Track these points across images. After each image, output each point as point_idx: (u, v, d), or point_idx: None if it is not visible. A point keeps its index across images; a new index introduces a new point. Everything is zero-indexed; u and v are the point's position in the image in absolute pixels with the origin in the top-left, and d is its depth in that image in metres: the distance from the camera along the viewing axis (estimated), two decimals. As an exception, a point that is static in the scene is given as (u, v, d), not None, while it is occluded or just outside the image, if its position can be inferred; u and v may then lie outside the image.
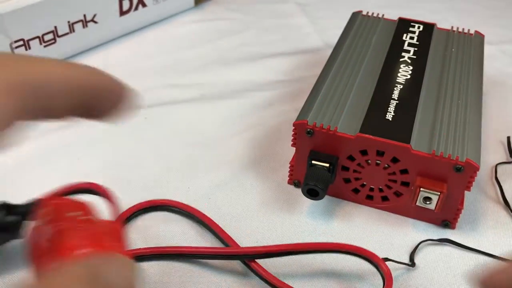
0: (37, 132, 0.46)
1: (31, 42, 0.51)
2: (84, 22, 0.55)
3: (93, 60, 0.56)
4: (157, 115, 0.49)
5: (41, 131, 0.46)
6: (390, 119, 0.38)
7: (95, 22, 0.56)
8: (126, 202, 0.38)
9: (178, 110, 0.50)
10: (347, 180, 0.39)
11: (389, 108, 0.39)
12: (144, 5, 0.61)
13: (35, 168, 0.42)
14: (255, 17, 0.67)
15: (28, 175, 0.42)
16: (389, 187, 0.38)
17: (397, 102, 0.39)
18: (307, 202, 0.40)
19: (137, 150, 0.45)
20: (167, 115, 0.49)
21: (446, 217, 0.38)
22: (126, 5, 0.59)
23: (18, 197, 0.40)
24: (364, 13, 0.52)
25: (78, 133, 0.46)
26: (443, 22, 0.52)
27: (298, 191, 0.40)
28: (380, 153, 0.36)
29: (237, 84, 0.54)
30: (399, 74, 0.43)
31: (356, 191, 0.40)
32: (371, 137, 0.36)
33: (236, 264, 0.35)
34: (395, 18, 0.51)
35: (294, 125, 0.38)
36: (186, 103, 0.51)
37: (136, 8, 0.60)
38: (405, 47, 0.46)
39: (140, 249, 0.35)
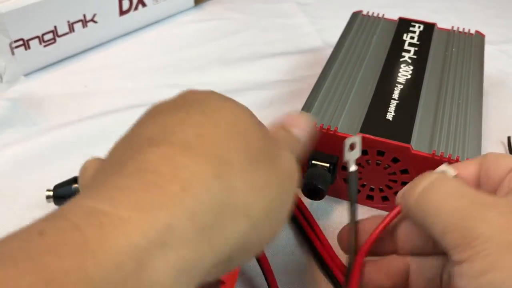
0: (36, 131, 0.46)
1: (30, 42, 0.51)
2: (84, 22, 0.55)
3: (93, 60, 0.56)
4: (157, 115, 0.49)
5: (41, 129, 0.46)
6: (391, 119, 0.38)
7: (95, 22, 0.56)
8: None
9: (178, 110, 0.50)
10: (347, 180, 0.39)
11: (389, 108, 0.39)
12: (144, 5, 0.61)
13: (34, 166, 0.42)
14: (255, 17, 0.67)
15: (27, 174, 0.42)
16: (389, 187, 0.38)
17: (398, 102, 0.39)
18: (307, 202, 0.40)
19: (137, 150, 0.45)
20: (167, 115, 0.49)
21: (446, 217, 0.38)
22: (126, 5, 0.59)
23: (18, 196, 0.40)
24: (364, 13, 0.52)
25: (79, 132, 0.46)
26: (443, 22, 0.52)
27: (298, 191, 0.40)
28: (380, 153, 0.36)
29: (237, 84, 0.54)
30: (399, 74, 0.43)
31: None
32: (372, 137, 0.36)
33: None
34: (396, 18, 0.51)
35: (294, 125, 0.38)
36: (186, 103, 0.51)
37: (136, 8, 0.60)
38: (406, 47, 0.46)
39: None
